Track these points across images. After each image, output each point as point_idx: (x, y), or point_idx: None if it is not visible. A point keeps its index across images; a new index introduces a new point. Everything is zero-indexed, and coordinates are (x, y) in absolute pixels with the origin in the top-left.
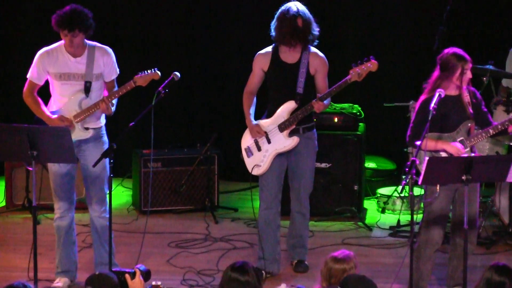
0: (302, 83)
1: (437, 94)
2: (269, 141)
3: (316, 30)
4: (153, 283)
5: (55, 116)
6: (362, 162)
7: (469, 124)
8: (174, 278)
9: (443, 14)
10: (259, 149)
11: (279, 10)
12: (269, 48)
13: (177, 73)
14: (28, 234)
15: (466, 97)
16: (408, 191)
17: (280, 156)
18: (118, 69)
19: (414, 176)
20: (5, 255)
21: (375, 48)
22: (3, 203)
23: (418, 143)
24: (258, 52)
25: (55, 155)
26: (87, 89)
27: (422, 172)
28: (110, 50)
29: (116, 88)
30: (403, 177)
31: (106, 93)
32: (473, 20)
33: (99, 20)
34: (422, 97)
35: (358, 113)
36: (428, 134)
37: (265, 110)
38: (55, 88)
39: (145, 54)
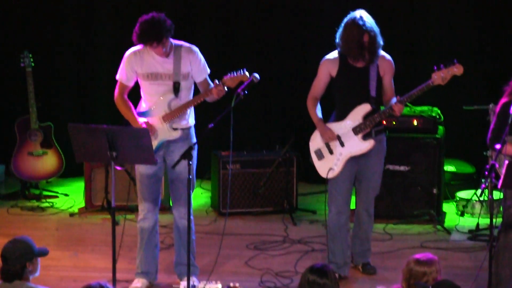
0: (374, 86)
1: None
2: (342, 144)
3: (381, 42)
4: (231, 284)
5: (142, 120)
6: (441, 165)
7: None
8: (252, 280)
9: None
10: (331, 152)
11: (346, 20)
12: (335, 53)
13: (257, 75)
14: (107, 235)
15: None
16: (487, 195)
17: (351, 159)
18: (208, 68)
19: (494, 180)
20: (83, 256)
21: (455, 50)
22: (83, 204)
23: (497, 146)
24: (325, 57)
25: (134, 156)
26: (176, 90)
27: (502, 176)
28: (195, 48)
29: (211, 87)
30: (483, 180)
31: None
32: None
33: (177, 21)
34: (503, 100)
35: (437, 116)
36: (508, 137)
37: (331, 113)
38: (144, 88)
39: (224, 55)
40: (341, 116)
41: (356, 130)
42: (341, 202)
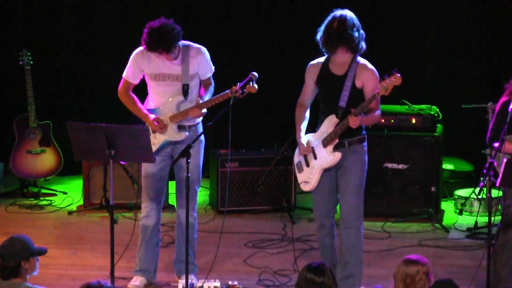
0: (346, 96)
1: None
2: (315, 157)
3: (357, 33)
4: (230, 283)
5: (152, 116)
6: (439, 164)
7: None
8: (250, 278)
9: None
10: (307, 164)
11: None
12: (321, 59)
13: (255, 73)
14: (105, 233)
15: None
16: (486, 193)
17: (329, 171)
18: (213, 67)
19: (492, 178)
20: (82, 254)
21: (454, 49)
22: (81, 202)
23: (496, 145)
24: (310, 62)
25: (133, 154)
26: (185, 92)
27: (500, 174)
28: (204, 49)
29: (212, 85)
30: (481, 178)
31: (202, 91)
32: None
33: (177, 21)
34: (503, 99)
35: (436, 114)
36: (507, 136)
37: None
38: (151, 87)
39: (224, 55)
40: (319, 127)
41: (324, 143)
42: (320, 215)
